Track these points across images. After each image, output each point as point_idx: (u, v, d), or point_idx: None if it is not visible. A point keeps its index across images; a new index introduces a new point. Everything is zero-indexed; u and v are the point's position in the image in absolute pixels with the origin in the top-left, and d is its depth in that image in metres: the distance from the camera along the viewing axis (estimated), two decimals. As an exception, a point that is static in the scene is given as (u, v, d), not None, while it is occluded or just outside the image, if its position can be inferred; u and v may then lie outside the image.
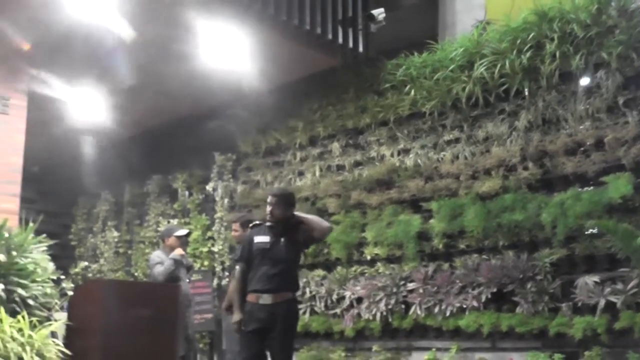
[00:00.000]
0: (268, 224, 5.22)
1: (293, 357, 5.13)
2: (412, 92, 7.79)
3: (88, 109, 9.02)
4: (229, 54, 7.73)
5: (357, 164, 8.25)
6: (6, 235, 6.71)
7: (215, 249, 9.57)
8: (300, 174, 8.86)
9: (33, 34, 7.40)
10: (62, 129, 9.57)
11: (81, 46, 7.44)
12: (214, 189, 9.86)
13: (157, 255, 7.11)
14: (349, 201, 8.12)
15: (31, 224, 6.97)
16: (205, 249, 9.59)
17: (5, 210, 7.47)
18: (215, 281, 9.40)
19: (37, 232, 7.11)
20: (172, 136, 10.20)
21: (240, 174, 9.71)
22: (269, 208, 5.16)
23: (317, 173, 8.57)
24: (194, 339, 8.88)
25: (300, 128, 8.89)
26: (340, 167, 8.42)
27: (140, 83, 8.51)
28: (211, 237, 9.72)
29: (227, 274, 9.11)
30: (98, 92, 8.76)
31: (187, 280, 7.37)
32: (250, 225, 5.50)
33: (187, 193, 10.26)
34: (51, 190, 11.88)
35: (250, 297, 5.07)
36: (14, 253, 6.62)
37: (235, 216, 7.54)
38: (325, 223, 5.37)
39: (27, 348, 5.81)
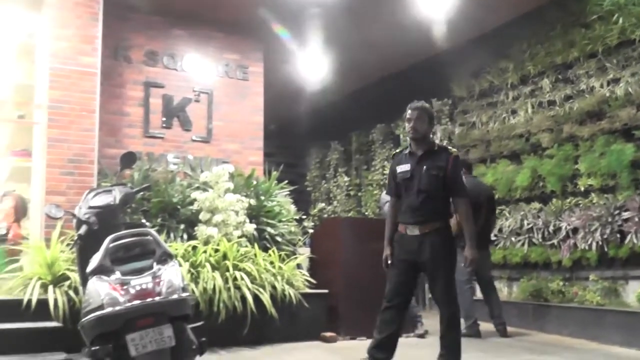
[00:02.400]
0: (407, 151, 5.10)
1: (456, 288, 5.03)
2: (620, 21, 7.94)
3: (316, 67, 10.38)
4: (440, 2, 8.55)
5: (568, 97, 8.59)
6: (254, 182, 8.27)
7: None
8: (513, 112, 9.43)
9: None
10: (293, 88, 11.04)
11: (307, 9, 8.78)
12: (433, 133, 10.72)
13: (386, 195, 8.46)
14: (561, 135, 8.47)
15: (274, 173, 8.52)
16: None
17: (253, 162, 9.16)
18: None
19: (278, 180, 8.61)
20: (392, 87, 11.09)
21: (456, 117, 10.56)
22: (411, 124, 4.99)
23: (529, 110, 9.08)
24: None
25: (511, 68, 9.48)
26: (551, 103, 8.80)
27: (360, 40, 9.68)
28: None
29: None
30: (323, 53, 10.08)
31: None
32: (392, 155, 5.40)
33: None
34: (287, 144, 13.74)
35: (400, 228, 5.01)
36: (262, 198, 8.11)
37: None
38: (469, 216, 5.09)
39: (278, 277, 7.10)
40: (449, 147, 5.24)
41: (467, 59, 10.14)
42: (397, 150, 5.33)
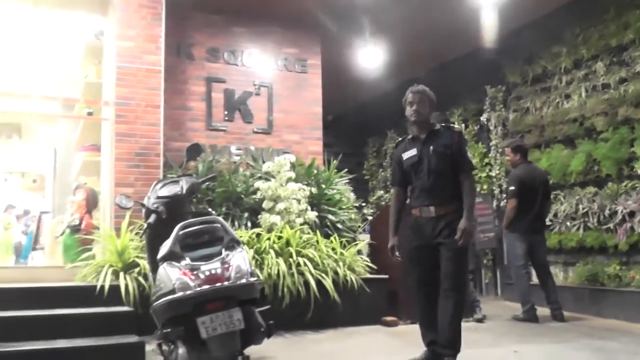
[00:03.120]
0: (409, 136, 5.02)
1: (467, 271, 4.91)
2: (677, 0, 7.56)
3: (371, 58, 10.30)
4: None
5: (622, 80, 8.27)
6: (315, 171, 8.31)
7: (492, 173, 10.37)
8: (567, 96, 9.15)
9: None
10: (349, 79, 10.99)
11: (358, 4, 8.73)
12: (488, 120, 10.60)
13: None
14: (616, 118, 8.19)
15: (334, 162, 8.53)
16: (483, 174, 10.41)
17: (313, 152, 9.17)
18: (495, 203, 10.18)
19: (338, 169, 8.62)
20: (446, 76, 10.97)
21: (510, 103, 10.33)
22: (413, 107, 4.87)
23: (583, 94, 8.79)
24: (480, 255, 10.04)
25: (564, 53, 9.21)
26: (606, 86, 8.50)
27: (414, 29, 9.59)
28: (488, 163, 10.51)
29: (504, 195, 9.76)
30: (377, 44, 10.00)
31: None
32: (395, 144, 5.29)
33: (463, 125, 11.04)
34: (344, 133, 13.74)
35: (414, 212, 4.87)
36: (323, 186, 8.13)
37: (506, 142, 8.49)
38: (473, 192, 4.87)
39: (340, 263, 7.13)
40: (452, 125, 5.20)
41: (520, 45, 9.95)
42: (399, 139, 5.23)
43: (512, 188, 7.82)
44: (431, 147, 4.81)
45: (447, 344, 4.65)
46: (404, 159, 4.95)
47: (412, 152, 4.90)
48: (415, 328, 5.09)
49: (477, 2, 8.67)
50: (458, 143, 4.85)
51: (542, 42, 9.68)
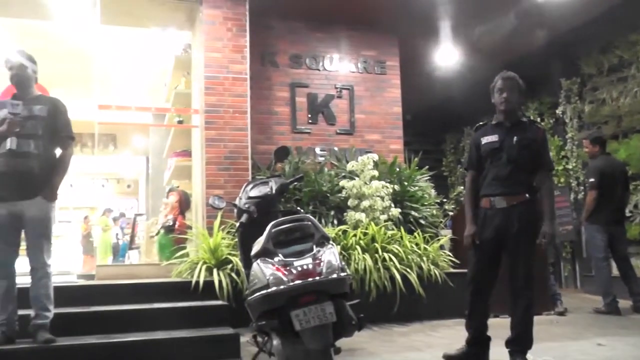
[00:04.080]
0: (493, 122, 4.71)
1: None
2: None
3: (447, 57, 10.26)
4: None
5: None
6: (397, 169, 8.29)
7: (569, 166, 10.20)
8: None
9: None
10: (426, 78, 10.92)
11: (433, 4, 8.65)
12: (563, 112, 10.40)
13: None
14: None
15: (415, 159, 8.46)
16: (560, 167, 10.23)
17: (394, 150, 9.17)
18: (572, 195, 9.98)
19: (418, 167, 8.58)
20: (520, 71, 10.72)
21: (586, 94, 10.05)
22: (503, 94, 4.61)
23: None
24: (560, 247, 9.72)
25: None
26: None
27: (488, 26, 9.39)
28: (565, 156, 10.33)
29: (581, 188, 9.58)
30: (452, 42, 9.89)
31: (551, 195, 8.31)
32: (475, 127, 4.95)
33: (538, 119, 10.80)
34: (422, 131, 13.56)
35: (484, 202, 4.57)
36: (405, 183, 8.11)
37: (585, 134, 8.23)
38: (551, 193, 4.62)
39: (424, 258, 7.10)
40: (535, 121, 4.93)
41: (594, 36, 9.59)
42: (480, 123, 4.86)
43: (592, 180, 7.59)
44: (515, 137, 4.50)
45: (519, 341, 4.40)
46: (483, 143, 4.65)
47: (493, 137, 4.59)
48: (499, 321, 4.99)
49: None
50: (542, 139, 4.60)
51: (617, 31, 9.34)
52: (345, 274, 3.84)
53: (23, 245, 4.72)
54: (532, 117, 10.43)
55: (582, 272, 9.90)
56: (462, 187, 11.89)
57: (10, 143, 4.60)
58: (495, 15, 9.17)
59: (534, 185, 4.50)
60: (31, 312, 4.73)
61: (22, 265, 4.80)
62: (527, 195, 4.43)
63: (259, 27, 8.51)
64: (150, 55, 9.94)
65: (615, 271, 7.81)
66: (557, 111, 10.58)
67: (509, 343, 4.44)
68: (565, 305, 7.46)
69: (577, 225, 9.32)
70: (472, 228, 4.63)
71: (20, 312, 4.77)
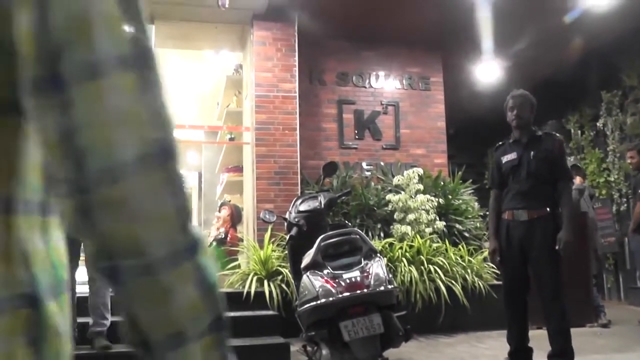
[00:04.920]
0: (511, 140, 4.73)
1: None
2: None
3: (489, 71, 10.16)
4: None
5: None
6: (442, 183, 8.25)
7: (611, 178, 9.96)
8: None
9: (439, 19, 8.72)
10: (469, 93, 10.81)
11: (480, 18, 8.53)
12: (604, 125, 10.16)
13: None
14: None
15: (459, 173, 8.41)
16: (601, 179, 10.04)
17: (438, 164, 9.11)
18: (614, 207, 9.75)
19: (462, 180, 8.53)
20: (561, 83, 10.52)
21: (628, 106, 9.77)
22: (514, 112, 4.67)
23: None
24: (602, 259, 9.46)
25: None
26: None
27: (529, 40, 9.26)
28: (606, 169, 10.10)
29: (624, 200, 9.39)
30: (494, 57, 9.75)
31: (592, 208, 7.89)
32: (495, 147, 5.00)
33: (579, 132, 10.72)
34: (465, 145, 13.54)
35: (507, 215, 4.55)
36: (449, 196, 8.05)
37: (630, 145, 8.04)
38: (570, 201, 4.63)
39: (468, 270, 7.05)
40: (553, 133, 4.95)
41: (635, 47, 9.38)
42: (500, 143, 4.91)
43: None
44: (532, 152, 4.52)
45: (559, 354, 4.31)
46: (503, 162, 4.68)
47: (512, 155, 4.62)
48: (542, 333, 4.89)
49: (590, 5, 8.24)
50: (559, 150, 4.61)
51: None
52: (392, 286, 3.86)
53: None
54: (572, 130, 10.45)
55: (625, 284, 9.65)
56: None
57: None
58: (537, 29, 9.06)
59: (555, 199, 4.49)
60: (90, 320, 4.86)
61: (81, 274, 4.94)
62: (548, 209, 4.42)
63: (308, 46, 8.55)
64: (204, 76, 10.13)
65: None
66: (597, 123, 10.36)
67: (550, 358, 4.37)
68: (609, 317, 7.26)
69: (620, 237, 9.12)
70: (493, 244, 4.64)
71: (80, 319, 4.88)
